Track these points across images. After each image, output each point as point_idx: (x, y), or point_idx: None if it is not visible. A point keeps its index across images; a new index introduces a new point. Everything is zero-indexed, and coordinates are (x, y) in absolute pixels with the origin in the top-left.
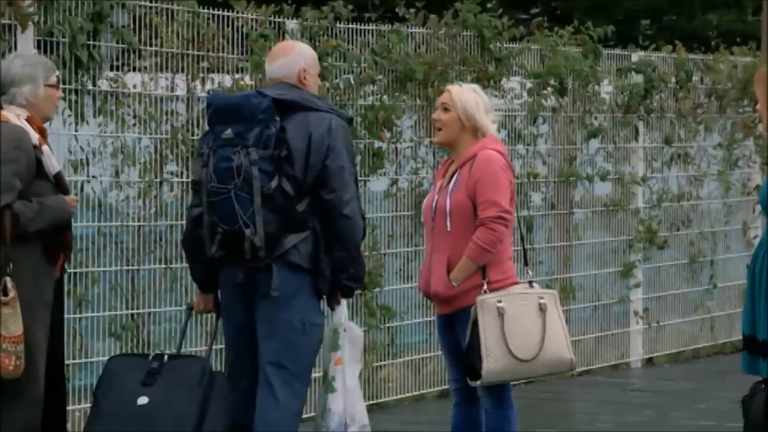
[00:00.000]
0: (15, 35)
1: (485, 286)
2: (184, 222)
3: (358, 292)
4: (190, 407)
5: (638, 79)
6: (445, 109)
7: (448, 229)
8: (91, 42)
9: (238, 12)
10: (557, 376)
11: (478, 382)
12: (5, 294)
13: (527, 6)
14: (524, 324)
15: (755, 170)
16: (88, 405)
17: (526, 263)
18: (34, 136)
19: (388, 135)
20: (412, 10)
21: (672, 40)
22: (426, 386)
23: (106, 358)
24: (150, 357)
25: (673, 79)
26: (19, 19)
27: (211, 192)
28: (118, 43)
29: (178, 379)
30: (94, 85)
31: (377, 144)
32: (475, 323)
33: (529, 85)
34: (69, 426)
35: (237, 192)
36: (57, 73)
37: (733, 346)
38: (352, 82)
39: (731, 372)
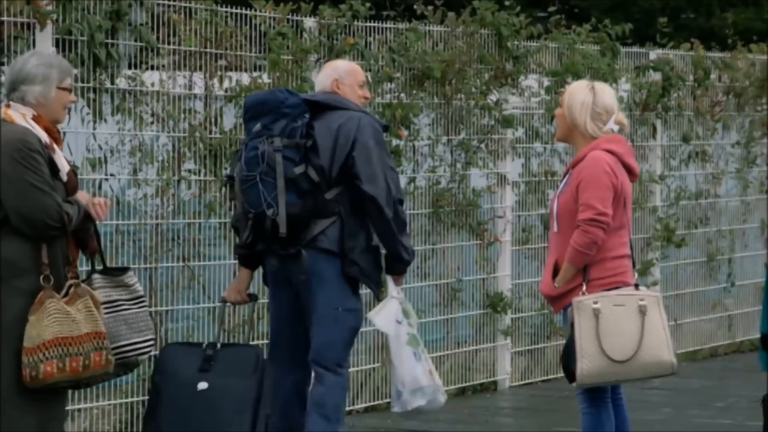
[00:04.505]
0: (33, 34)
1: (584, 287)
2: (201, 220)
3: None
4: (248, 393)
5: (656, 77)
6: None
7: (555, 230)
8: (109, 40)
9: (256, 10)
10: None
11: (574, 384)
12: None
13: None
14: (620, 325)
15: None
16: (107, 403)
17: (633, 265)
18: (43, 135)
19: (405, 133)
20: (430, 8)
21: (690, 38)
22: (443, 384)
23: None
24: (203, 345)
25: (691, 77)
26: (38, 17)
27: (242, 180)
28: (136, 41)
29: (235, 366)
30: (113, 83)
31: (395, 142)
32: (572, 325)
33: (546, 83)
34: (87, 424)
35: (263, 177)
36: (72, 75)
37: (751, 344)
38: (370, 80)
39: (749, 370)
